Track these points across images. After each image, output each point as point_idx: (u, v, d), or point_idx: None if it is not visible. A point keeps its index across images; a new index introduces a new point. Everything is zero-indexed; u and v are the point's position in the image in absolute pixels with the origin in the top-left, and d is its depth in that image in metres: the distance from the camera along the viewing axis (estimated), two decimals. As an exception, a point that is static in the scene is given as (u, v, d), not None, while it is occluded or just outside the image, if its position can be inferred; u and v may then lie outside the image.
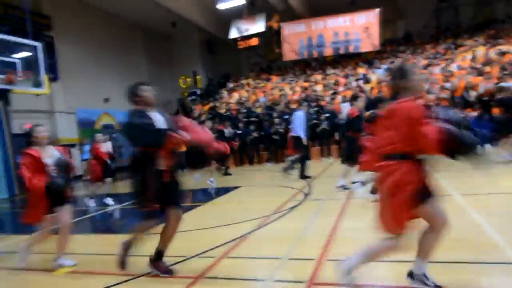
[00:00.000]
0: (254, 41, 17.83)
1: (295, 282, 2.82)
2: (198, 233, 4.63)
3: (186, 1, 17.11)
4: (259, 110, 14.99)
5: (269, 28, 17.50)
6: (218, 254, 3.62)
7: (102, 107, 17.77)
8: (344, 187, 6.31)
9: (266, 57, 23.11)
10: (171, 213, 3.13)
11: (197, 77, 21.58)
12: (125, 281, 3.18)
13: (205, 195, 8.04)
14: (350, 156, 6.09)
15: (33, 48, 8.90)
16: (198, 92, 20.24)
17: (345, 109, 13.55)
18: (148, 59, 21.09)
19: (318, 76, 17.10)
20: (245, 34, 17.57)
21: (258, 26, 17.45)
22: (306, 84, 16.24)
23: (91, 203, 7.54)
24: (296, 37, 17.26)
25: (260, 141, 13.40)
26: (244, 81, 19.67)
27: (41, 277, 3.53)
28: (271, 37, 18.77)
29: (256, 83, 18.67)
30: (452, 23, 19.67)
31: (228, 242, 3.98)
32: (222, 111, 15.95)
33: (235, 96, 17.79)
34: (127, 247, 3.25)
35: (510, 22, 17.07)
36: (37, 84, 8.65)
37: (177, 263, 3.50)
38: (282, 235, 4.18)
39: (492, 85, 11.88)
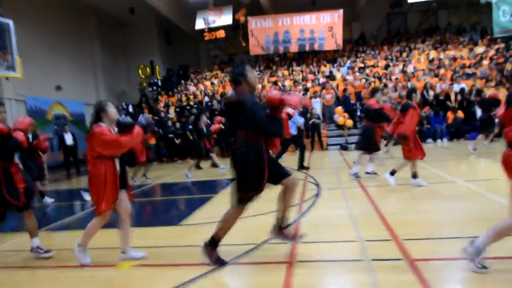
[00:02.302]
0: (221, 33, 17.61)
1: (394, 260, 2.99)
2: (242, 222, 4.59)
3: (151, -13, 16.36)
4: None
5: (236, 21, 17.40)
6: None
7: (54, 96, 16.29)
8: (357, 176, 6.65)
9: (226, 51, 22.98)
10: (288, 181, 3.13)
11: (157, 67, 20.72)
12: (211, 271, 3.09)
13: (209, 187, 7.98)
14: (368, 144, 6.44)
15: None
16: (159, 83, 19.47)
17: (316, 104, 14.14)
18: (102, 46, 19.73)
19: (285, 72, 17.47)
20: (212, 26, 17.28)
21: (225, 18, 17.28)
22: (274, 79, 16.51)
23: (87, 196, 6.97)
24: (263, 32, 17.42)
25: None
26: (208, 73, 19.36)
27: (113, 273, 3.27)
28: (236, 31, 18.71)
29: (222, 76, 18.51)
30: (401, 28, 21.37)
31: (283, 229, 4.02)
32: (191, 103, 15.58)
33: (201, 88, 17.46)
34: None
35: (452, 30, 19.06)
36: (9, 67, 7.68)
37: (251, 249, 3.50)
38: (332, 221, 4.33)
39: (447, 85, 13.23)
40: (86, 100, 18.31)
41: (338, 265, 3.02)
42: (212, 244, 3.15)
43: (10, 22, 7.94)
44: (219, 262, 3.12)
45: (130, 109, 16.95)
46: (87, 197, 6.84)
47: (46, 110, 15.66)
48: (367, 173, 6.74)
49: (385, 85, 13.53)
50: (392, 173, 5.76)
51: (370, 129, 6.39)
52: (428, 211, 4.39)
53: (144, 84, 20.37)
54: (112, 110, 3.44)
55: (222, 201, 6.10)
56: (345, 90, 14.36)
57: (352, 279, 2.81)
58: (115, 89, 20.91)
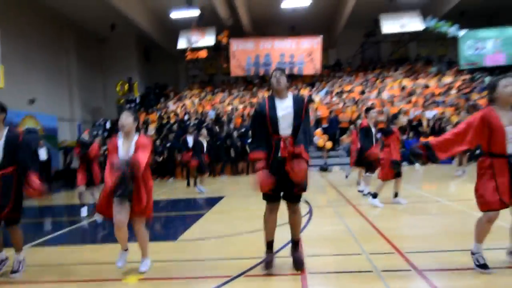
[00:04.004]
0: (203, 54, 17.81)
1: (403, 270, 3.10)
2: (243, 238, 4.59)
3: (136, 4, 16.42)
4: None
5: (218, 42, 17.72)
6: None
7: (26, 109, 15.68)
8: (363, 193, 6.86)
9: (206, 71, 23.18)
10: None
11: (135, 83, 20.51)
12: (226, 282, 3.07)
13: (196, 204, 7.89)
14: (360, 163, 6.63)
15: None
16: (137, 100, 19.25)
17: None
18: (79, 61, 19.35)
19: (265, 93, 17.80)
20: (194, 46, 17.46)
21: (208, 39, 17.54)
22: (255, 100, 16.78)
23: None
24: (244, 54, 17.81)
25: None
26: (188, 92, 19.40)
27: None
28: (217, 52, 19.01)
29: (202, 96, 18.61)
30: (374, 56, 22.51)
31: (287, 244, 4.06)
32: (172, 121, 15.49)
33: (181, 106, 17.44)
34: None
35: (421, 61, 20.30)
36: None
37: (260, 263, 3.49)
38: (332, 235, 4.42)
39: (420, 112, 13.97)
40: (59, 115, 17.75)
41: (350, 276, 3.08)
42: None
43: (-5, 31, 7.71)
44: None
45: (108, 125, 16.59)
46: (84, 213, 6.60)
47: (17, 124, 15.00)
48: (359, 191, 6.93)
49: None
50: (374, 196, 5.95)
51: (359, 149, 6.56)
52: (421, 226, 4.59)
53: (122, 100, 20.05)
54: (120, 122, 3.43)
55: (214, 218, 6.09)
56: (331, 112, 14.81)
57: (368, 289, 2.88)
58: (91, 105, 20.43)
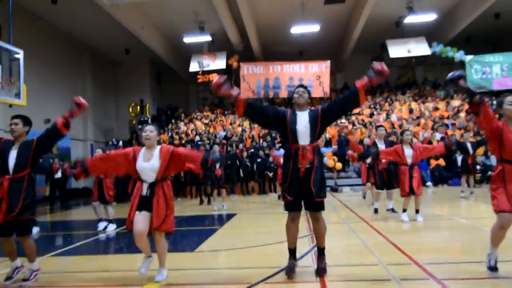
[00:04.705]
0: (214, 77, 18.25)
1: (421, 279, 3.15)
2: (257, 250, 4.66)
3: (150, 29, 17.09)
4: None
5: (228, 66, 18.21)
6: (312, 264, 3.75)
7: (42, 128, 15.94)
8: (393, 210, 6.79)
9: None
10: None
11: (147, 105, 21.01)
12: (247, 288, 3.14)
13: (210, 220, 7.96)
14: (381, 181, 6.70)
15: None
16: (149, 121, 19.64)
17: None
18: (94, 83, 19.96)
19: (275, 115, 18.07)
20: (206, 69, 17.96)
21: (219, 63, 18.03)
22: (264, 122, 17.02)
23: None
24: (254, 77, 18.20)
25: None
26: (198, 114, 19.77)
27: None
28: (228, 75, 19.46)
29: (213, 117, 18.96)
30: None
31: (307, 253, 4.14)
32: (183, 142, 15.74)
33: (191, 127, 17.75)
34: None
35: (428, 85, 20.55)
36: (16, 94, 7.77)
37: (281, 270, 3.54)
38: (348, 248, 4.48)
39: (429, 134, 14.05)
40: (73, 135, 18.14)
41: (370, 284, 3.13)
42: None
43: (20, 52, 8.15)
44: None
45: (121, 145, 16.91)
46: (100, 227, 6.69)
47: (32, 143, 15.38)
48: (387, 210, 6.93)
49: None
50: (403, 210, 6.05)
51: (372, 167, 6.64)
52: (436, 241, 4.63)
53: (134, 121, 20.48)
54: (142, 135, 3.63)
55: (228, 233, 6.16)
56: (340, 135, 14.92)
57: (386, 295, 2.93)
58: (104, 126, 20.87)
